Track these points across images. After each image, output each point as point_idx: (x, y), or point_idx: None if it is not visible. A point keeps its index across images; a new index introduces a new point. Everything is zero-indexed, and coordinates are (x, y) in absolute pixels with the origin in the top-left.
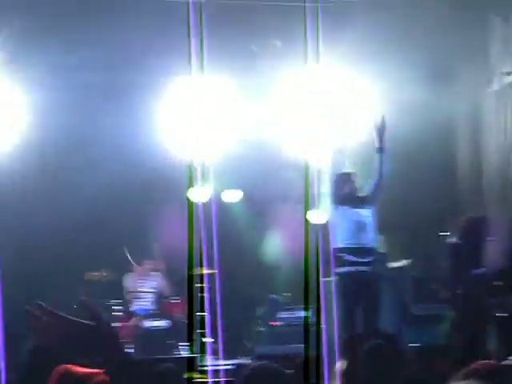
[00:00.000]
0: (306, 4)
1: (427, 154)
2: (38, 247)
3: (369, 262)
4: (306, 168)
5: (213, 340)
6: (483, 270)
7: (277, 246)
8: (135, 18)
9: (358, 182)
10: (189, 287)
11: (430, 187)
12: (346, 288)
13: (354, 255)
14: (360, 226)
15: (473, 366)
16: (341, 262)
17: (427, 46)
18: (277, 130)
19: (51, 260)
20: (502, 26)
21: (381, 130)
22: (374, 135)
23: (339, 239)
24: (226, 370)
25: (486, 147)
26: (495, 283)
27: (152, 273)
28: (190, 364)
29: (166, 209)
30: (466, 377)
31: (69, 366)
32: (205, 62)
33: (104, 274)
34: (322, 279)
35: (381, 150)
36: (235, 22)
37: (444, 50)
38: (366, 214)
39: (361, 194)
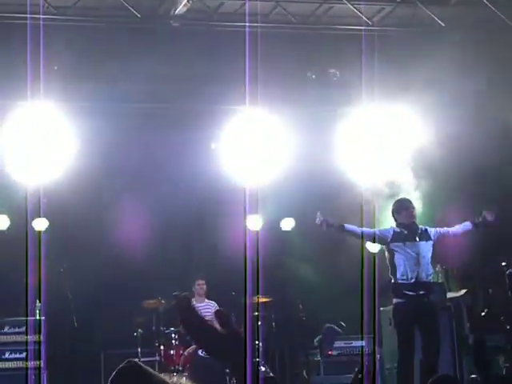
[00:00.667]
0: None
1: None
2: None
3: (425, 294)
4: (361, 196)
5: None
6: None
7: (332, 274)
8: (187, 49)
9: (415, 209)
10: (245, 315)
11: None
12: (403, 318)
13: (411, 289)
14: (416, 260)
15: None
16: (398, 295)
17: None
18: (331, 158)
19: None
20: None
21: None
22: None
23: (397, 272)
24: None
25: None
26: None
27: (207, 300)
28: None
29: (222, 234)
30: None
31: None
32: (259, 92)
33: (162, 301)
34: (378, 309)
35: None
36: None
37: None
38: (423, 247)
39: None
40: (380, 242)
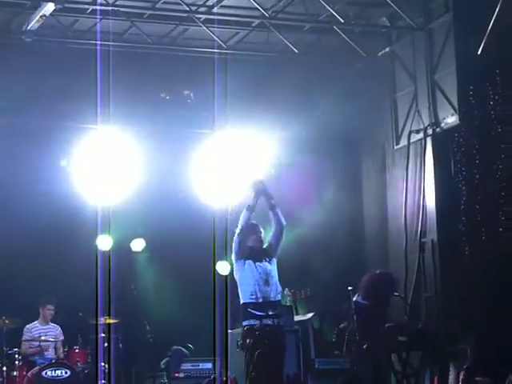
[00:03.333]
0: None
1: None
2: None
3: (274, 314)
4: (213, 219)
5: None
6: (389, 325)
7: (182, 295)
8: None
9: (262, 234)
10: (96, 336)
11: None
12: (251, 340)
13: (260, 309)
14: (265, 279)
15: None
16: (247, 316)
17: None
18: (184, 181)
19: None
20: None
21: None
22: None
23: (246, 292)
24: None
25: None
26: (400, 338)
27: (51, 324)
28: None
29: (72, 256)
30: None
31: None
32: (112, 111)
33: (6, 321)
34: (229, 331)
35: (273, 206)
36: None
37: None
38: (270, 267)
39: (264, 246)
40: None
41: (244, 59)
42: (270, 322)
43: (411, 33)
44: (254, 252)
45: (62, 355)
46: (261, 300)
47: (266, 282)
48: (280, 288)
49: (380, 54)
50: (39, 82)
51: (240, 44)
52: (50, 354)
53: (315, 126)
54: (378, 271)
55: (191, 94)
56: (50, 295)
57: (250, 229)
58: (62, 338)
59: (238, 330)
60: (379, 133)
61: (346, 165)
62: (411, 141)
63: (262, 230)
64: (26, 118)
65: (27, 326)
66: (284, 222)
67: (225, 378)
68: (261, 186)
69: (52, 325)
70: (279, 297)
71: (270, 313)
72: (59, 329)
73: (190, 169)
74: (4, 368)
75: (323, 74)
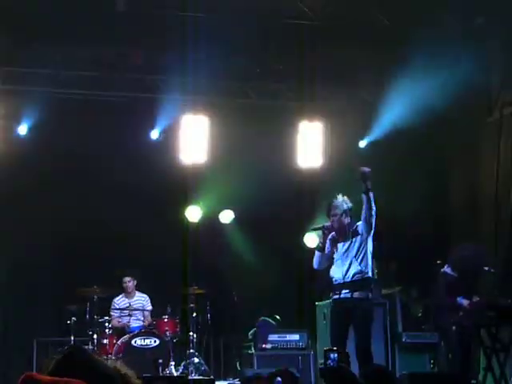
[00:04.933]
0: None
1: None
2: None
3: (361, 288)
4: (299, 191)
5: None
6: (478, 299)
7: (270, 267)
8: None
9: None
10: (183, 307)
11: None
12: (338, 314)
13: (348, 285)
14: (351, 256)
15: None
16: (335, 290)
17: None
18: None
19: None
20: None
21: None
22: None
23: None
24: None
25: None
26: (489, 313)
27: (137, 294)
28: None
29: (161, 226)
30: None
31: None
32: None
33: (97, 290)
34: (316, 303)
35: (368, 190)
36: None
37: None
38: (358, 244)
39: (353, 227)
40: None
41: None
42: (357, 296)
43: None
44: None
45: (150, 324)
46: (349, 275)
47: (354, 259)
48: (369, 263)
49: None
50: (128, 53)
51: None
52: (139, 323)
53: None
54: (468, 244)
55: (280, 67)
56: (125, 268)
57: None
58: (149, 307)
59: (325, 303)
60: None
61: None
62: (504, 113)
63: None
64: (114, 91)
65: (114, 299)
66: (374, 207)
67: (312, 351)
68: (367, 171)
69: (138, 295)
70: (358, 276)
71: (358, 287)
72: (146, 298)
73: (281, 142)
74: (95, 336)
75: None
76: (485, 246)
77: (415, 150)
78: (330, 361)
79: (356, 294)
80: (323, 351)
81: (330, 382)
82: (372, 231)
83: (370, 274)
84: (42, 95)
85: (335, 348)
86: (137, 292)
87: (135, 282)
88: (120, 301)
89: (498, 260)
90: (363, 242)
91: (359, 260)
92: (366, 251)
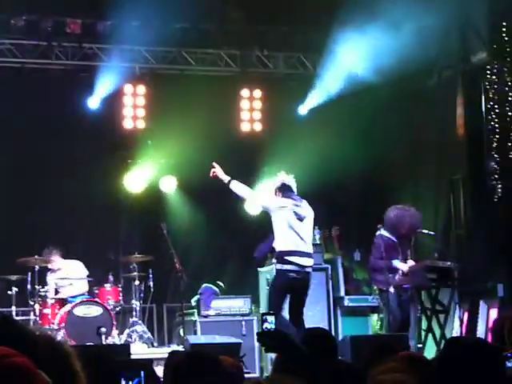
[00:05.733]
0: None
1: None
2: None
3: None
4: (241, 156)
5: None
6: (418, 262)
7: (212, 234)
8: None
9: None
10: (125, 274)
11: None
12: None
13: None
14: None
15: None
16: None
17: None
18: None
19: None
20: None
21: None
22: None
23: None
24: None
25: None
26: (429, 276)
27: (68, 261)
28: (123, 351)
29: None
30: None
31: None
32: None
33: (37, 259)
34: (258, 269)
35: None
36: None
37: None
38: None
39: None
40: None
41: None
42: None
43: None
44: None
45: (89, 291)
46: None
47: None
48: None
49: None
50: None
51: None
52: (78, 291)
53: None
54: (400, 206)
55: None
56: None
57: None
58: (83, 273)
59: (268, 268)
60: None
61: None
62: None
63: None
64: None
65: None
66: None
67: (256, 317)
68: None
69: (68, 264)
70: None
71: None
72: (77, 264)
73: (222, 109)
74: (36, 306)
75: None
76: (415, 208)
77: (353, 115)
78: (267, 323)
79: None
80: (260, 315)
81: (267, 345)
82: (262, 208)
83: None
84: None
85: (272, 312)
86: (67, 261)
87: (57, 256)
88: (50, 274)
89: (437, 223)
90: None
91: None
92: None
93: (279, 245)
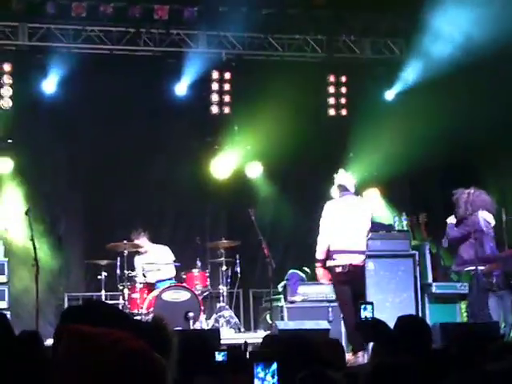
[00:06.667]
0: None
1: None
2: None
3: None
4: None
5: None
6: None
7: (300, 219)
8: None
9: None
10: (212, 260)
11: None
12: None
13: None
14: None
15: None
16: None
17: None
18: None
19: None
20: None
21: None
22: None
23: None
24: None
25: None
26: None
27: (156, 245)
28: (214, 336)
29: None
30: None
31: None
32: None
33: (126, 244)
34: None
35: None
36: None
37: None
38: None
39: None
40: None
41: None
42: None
43: None
44: None
45: (176, 276)
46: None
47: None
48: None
49: None
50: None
51: None
52: (165, 276)
53: None
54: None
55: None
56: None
57: None
58: (170, 258)
59: None
60: None
61: None
62: None
63: None
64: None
65: (135, 257)
66: None
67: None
68: None
69: (156, 249)
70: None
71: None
72: (165, 249)
73: (309, 94)
74: (125, 291)
75: None
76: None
77: (440, 99)
78: (366, 312)
79: None
80: (358, 304)
81: (366, 334)
82: None
83: None
84: (67, 51)
85: (370, 301)
86: (155, 245)
87: (145, 239)
88: (138, 258)
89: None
90: None
91: None
92: None
93: None
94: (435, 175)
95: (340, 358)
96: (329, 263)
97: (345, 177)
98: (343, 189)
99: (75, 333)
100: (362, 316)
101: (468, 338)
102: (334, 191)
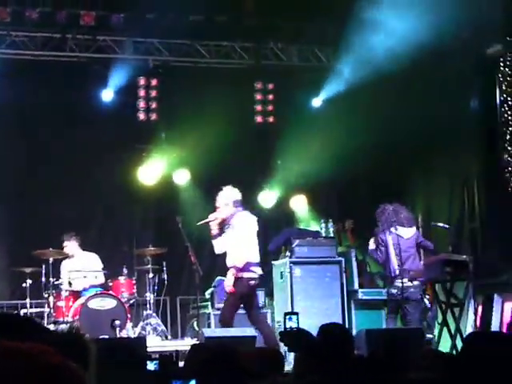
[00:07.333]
0: None
1: None
2: None
3: None
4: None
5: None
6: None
7: None
8: None
9: None
10: (138, 267)
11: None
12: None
13: None
14: None
15: None
16: None
17: None
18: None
19: None
20: None
21: None
22: None
23: None
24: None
25: None
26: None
27: (85, 252)
28: (139, 344)
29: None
30: None
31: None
32: None
33: (52, 252)
34: (272, 262)
35: None
36: None
37: None
38: None
39: None
40: None
41: None
42: None
43: None
44: None
45: (103, 284)
46: None
47: None
48: None
49: None
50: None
51: None
52: (91, 283)
53: None
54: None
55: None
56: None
57: None
58: (98, 266)
59: (282, 262)
60: None
61: None
62: None
63: None
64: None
65: (62, 262)
66: None
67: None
68: None
69: (84, 256)
70: None
71: None
72: (93, 256)
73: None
74: (51, 299)
75: None
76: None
77: (365, 106)
78: (291, 322)
79: None
80: (283, 314)
81: (289, 344)
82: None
83: None
84: None
85: (295, 311)
86: (84, 252)
87: (76, 243)
88: (66, 264)
89: (451, 216)
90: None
91: None
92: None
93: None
94: (362, 181)
95: (274, 368)
96: (246, 274)
97: (237, 192)
98: (240, 203)
99: None
100: (287, 326)
101: (392, 343)
102: (229, 206)
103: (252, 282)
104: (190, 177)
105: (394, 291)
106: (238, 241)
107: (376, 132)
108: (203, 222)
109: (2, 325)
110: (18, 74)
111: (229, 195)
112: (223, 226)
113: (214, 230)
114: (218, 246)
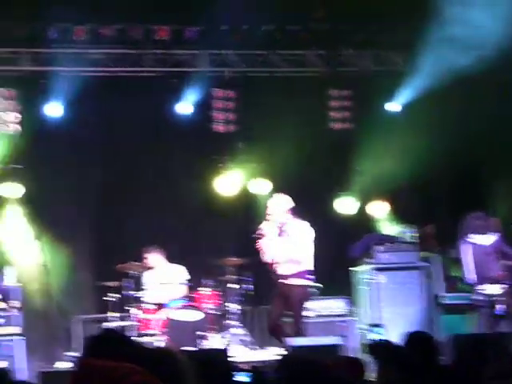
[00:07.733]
0: None
1: None
2: None
3: None
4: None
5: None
6: None
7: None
8: None
9: None
10: (224, 278)
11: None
12: None
13: None
14: None
15: None
16: None
17: None
18: None
19: None
20: None
21: None
22: None
23: None
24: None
25: None
26: None
27: (170, 265)
28: (222, 355)
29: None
30: None
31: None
32: None
33: (134, 265)
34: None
35: None
36: None
37: None
38: None
39: None
40: None
41: None
42: None
43: None
44: None
45: (187, 296)
46: None
47: None
48: None
49: None
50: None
51: None
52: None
53: None
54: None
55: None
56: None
57: None
58: (184, 278)
59: (363, 268)
60: None
61: None
62: None
63: None
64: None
65: (144, 273)
66: None
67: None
68: None
69: (168, 268)
70: None
71: None
72: (179, 269)
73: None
74: (134, 312)
75: None
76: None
77: (444, 109)
78: (375, 334)
79: None
80: (368, 326)
81: (378, 356)
82: None
83: None
84: (69, 75)
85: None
86: (169, 264)
87: (158, 255)
88: (147, 275)
89: None
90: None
91: None
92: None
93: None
94: (442, 185)
95: (357, 378)
96: (305, 282)
97: (289, 199)
98: (293, 211)
99: (88, 367)
100: (373, 338)
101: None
102: (283, 214)
103: (311, 290)
104: (270, 186)
105: (479, 297)
106: (297, 248)
107: (454, 135)
108: (258, 232)
109: (107, 343)
110: (98, 91)
111: (282, 203)
112: (277, 233)
113: (268, 237)
114: (269, 253)
